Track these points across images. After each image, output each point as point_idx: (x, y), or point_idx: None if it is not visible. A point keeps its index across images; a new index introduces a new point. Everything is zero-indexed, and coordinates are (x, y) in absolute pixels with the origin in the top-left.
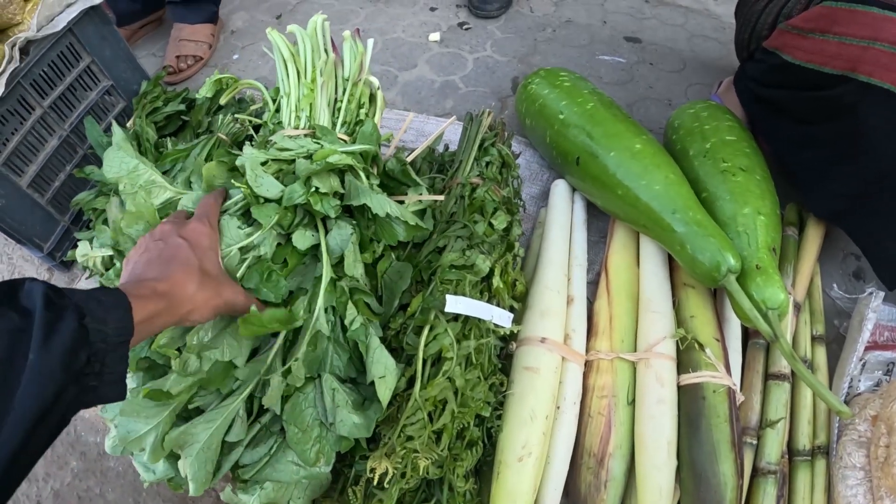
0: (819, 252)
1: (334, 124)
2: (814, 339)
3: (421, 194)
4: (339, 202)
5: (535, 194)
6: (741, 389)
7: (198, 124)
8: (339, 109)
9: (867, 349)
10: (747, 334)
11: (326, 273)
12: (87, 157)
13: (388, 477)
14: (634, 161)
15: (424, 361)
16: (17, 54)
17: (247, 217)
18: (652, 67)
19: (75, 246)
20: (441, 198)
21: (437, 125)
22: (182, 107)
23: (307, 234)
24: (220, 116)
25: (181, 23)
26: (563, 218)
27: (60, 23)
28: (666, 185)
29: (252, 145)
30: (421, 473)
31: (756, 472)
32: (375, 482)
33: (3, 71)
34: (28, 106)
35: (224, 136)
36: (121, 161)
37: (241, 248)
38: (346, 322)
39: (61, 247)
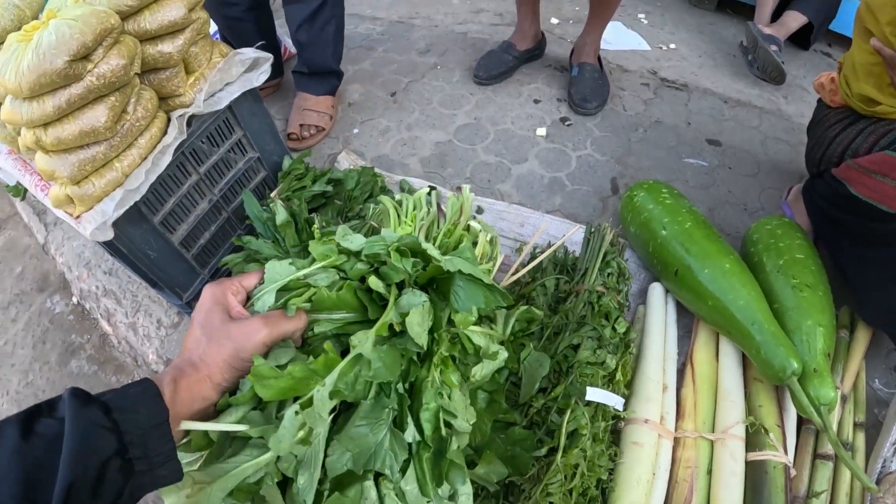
0: (866, 351)
1: None
2: (856, 425)
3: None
4: (420, 268)
5: (634, 292)
6: (794, 465)
7: (348, 209)
8: (436, 240)
9: None
10: (801, 420)
11: (389, 312)
12: (230, 220)
13: None
14: (724, 278)
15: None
16: (185, 128)
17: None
18: (730, 171)
19: None
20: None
21: (552, 223)
22: (329, 188)
23: (379, 281)
24: (372, 206)
25: (305, 92)
26: (661, 320)
27: (223, 101)
28: (748, 300)
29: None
30: None
31: None
32: None
33: (172, 143)
34: (186, 172)
35: (376, 224)
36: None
37: (290, 281)
38: (422, 417)
39: (199, 296)
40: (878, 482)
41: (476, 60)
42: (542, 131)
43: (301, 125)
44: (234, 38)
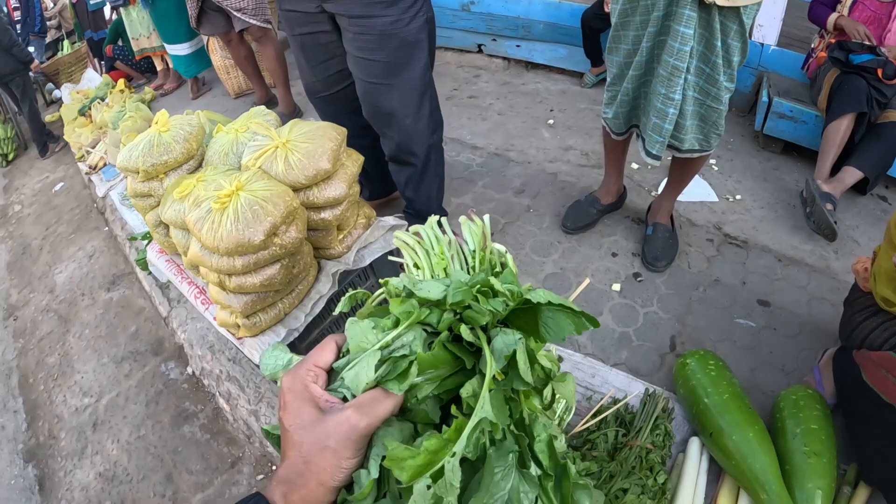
0: None
1: None
2: None
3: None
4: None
5: (678, 441)
6: None
7: None
8: (474, 269)
9: None
10: None
11: (490, 367)
12: None
13: None
14: (748, 445)
15: None
16: (336, 281)
17: None
18: (774, 333)
19: None
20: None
21: (617, 377)
22: None
23: (469, 330)
24: None
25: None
26: (695, 470)
27: (366, 259)
28: (763, 465)
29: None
30: None
31: None
32: None
33: (327, 294)
34: (329, 311)
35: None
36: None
37: (380, 349)
38: (536, 448)
39: None
40: None
41: (564, 205)
42: (616, 287)
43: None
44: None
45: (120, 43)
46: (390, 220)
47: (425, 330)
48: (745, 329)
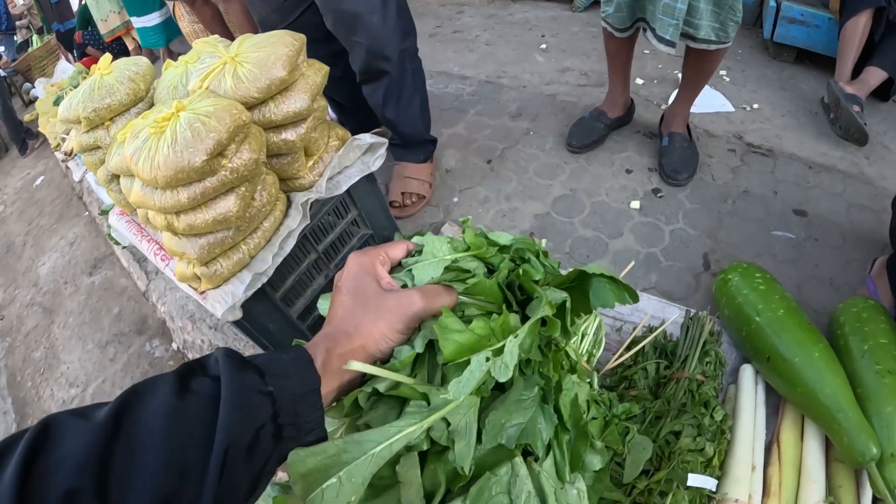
0: None
1: None
2: None
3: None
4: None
5: (727, 371)
6: None
7: None
8: None
9: None
10: (875, 500)
11: (542, 310)
12: None
13: None
14: (814, 367)
15: None
16: (307, 213)
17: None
18: (817, 244)
19: None
20: None
21: (649, 302)
22: None
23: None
24: None
25: (404, 161)
26: (751, 402)
27: (342, 185)
28: (835, 388)
29: None
30: None
31: None
32: None
33: (297, 228)
34: (305, 251)
35: None
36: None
37: (451, 260)
38: (561, 403)
39: None
40: None
41: (567, 126)
42: (636, 204)
43: (403, 193)
44: (339, 95)
45: (89, 29)
46: (366, 137)
47: (488, 267)
48: (784, 242)
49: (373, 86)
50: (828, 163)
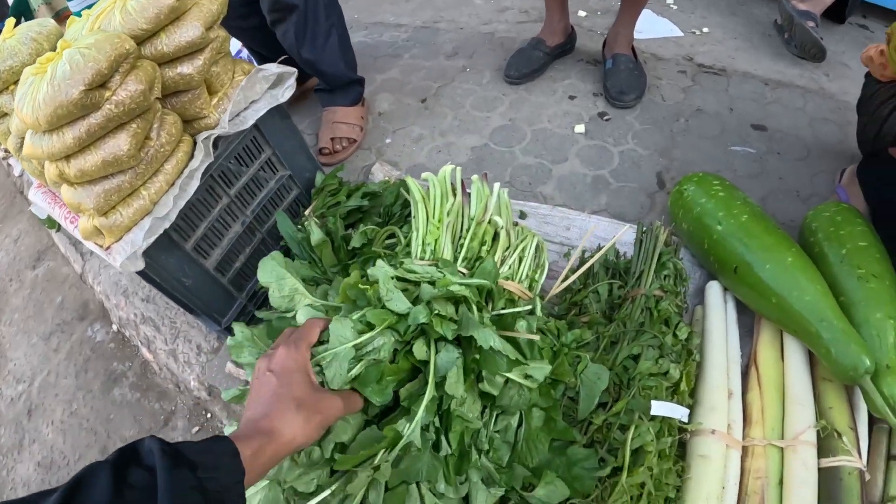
0: None
1: (456, 259)
2: None
3: (530, 333)
4: (455, 327)
5: (690, 291)
6: (867, 468)
7: (386, 223)
8: (462, 246)
9: None
10: (872, 419)
11: (430, 389)
12: (265, 241)
13: None
14: (787, 274)
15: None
16: (211, 150)
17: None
18: (780, 157)
19: (251, 321)
20: (535, 337)
21: (599, 224)
22: (365, 202)
23: (424, 347)
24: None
25: (332, 106)
26: (721, 321)
27: (248, 120)
28: (815, 296)
29: (383, 262)
30: None
31: None
32: None
33: (199, 167)
34: (216, 195)
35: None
36: (271, 269)
37: (355, 346)
38: (450, 437)
39: (237, 321)
40: None
41: (506, 60)
42: (580, 128)
43: (332, 139)
44: (262, 46)
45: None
46: (272, 67)
47: (396, 338)
48: (744, 156)
49: (284, 26)
50: (785, 80)
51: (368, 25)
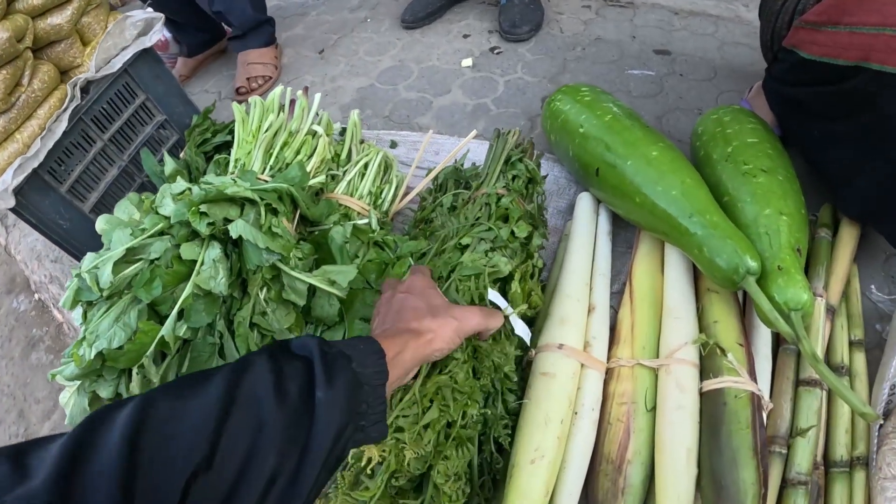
0: (854, 253)
1: (265, 169)
2: (851, 343)
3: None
4: (216, 226)
5: (563, 209)
6: (771, 396)
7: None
8: (272, 156)
9: None
10: (780, 340)
11: (190, 286)
12: (144, 184)
13: (373, 464)
14: (651, 168)
15: None
16: (77, 93)
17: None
18: (682, 78)
19: None
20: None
21: (470, 145)
22: (229, 137)
23: (193, 248)
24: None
25: (245, 49)
26: (586, 229)
27: (116, 64)
28: (682, 189)
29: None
30: (405, 467)
31: (785, 483)
32: (364, 467)
33: (66, 108)
34: (90, 139)
35: None
36: (125, 208)
37: (128, 249)
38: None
39: None
40: (886, 414)
41: None
42: (467, 62)
43: (248, 78)
44: (169, 11)
45: None
46: (140, 13)
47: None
48: (641, 78)
49: None
50: (697, 9)
51: None
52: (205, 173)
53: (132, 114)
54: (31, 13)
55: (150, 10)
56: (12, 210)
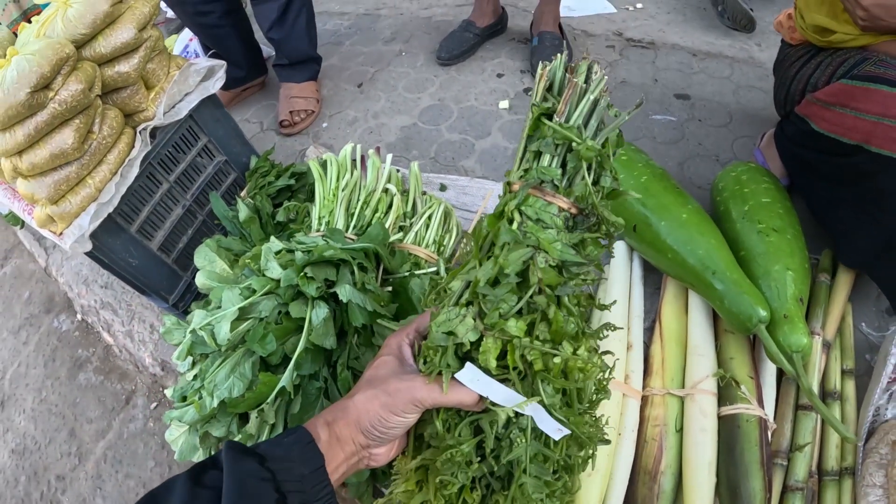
0: (848, 296)
1: (349, 227)
2: (843, 372)
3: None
4: (326, 287)
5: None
6: (774, 419)
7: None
8: (353, 215)
9: (892, 381)
10: (782, 372)
11: (303, 341)
12: (206, 222)
13: None
14: (682, 229)
15: None
16: (148, 139)
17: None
18: (701, 124)
19: (196, 297)
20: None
21: None
22: (292, 181)
23: (300, 307)
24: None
25: (289, 82)
26: (623, 276)
27: (182, 111)
28: (708, 249)
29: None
30: None
31: (786, 489)
32: None
33: (138, 156)
34: (156, 181)
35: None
36: (205, 254)
37: (240, 309)
38: (339, 384)
39: (184, 298)
40: (870, 432)
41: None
42: (504, 104)
43: (291, 112)
44: (214, 44)
45: None
46: (203, 61)
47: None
48: (664, 124)
49: (265, 7)
50: (714, 50)
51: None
52: (273, 217)
53: (195, 156)
54: (99, 61)
55: (212, 58)
56: (87, 253)
